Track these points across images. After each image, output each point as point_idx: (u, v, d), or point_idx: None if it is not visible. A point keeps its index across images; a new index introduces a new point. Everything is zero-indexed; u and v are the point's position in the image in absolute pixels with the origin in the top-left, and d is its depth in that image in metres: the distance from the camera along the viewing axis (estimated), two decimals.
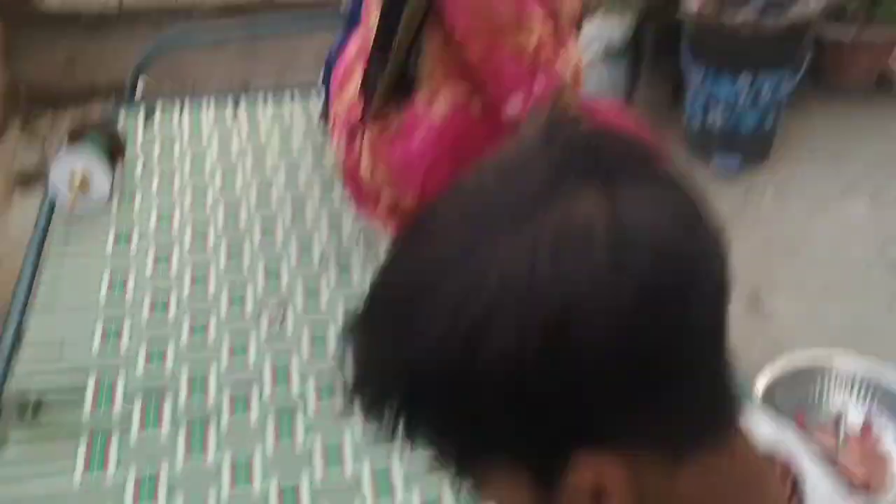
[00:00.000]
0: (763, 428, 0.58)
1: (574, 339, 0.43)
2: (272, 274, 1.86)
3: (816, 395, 1.83)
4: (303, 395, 1.58)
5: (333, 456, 1.46)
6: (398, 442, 0.50)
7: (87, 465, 1.42)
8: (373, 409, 0.49)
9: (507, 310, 0.43)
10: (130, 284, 1.81)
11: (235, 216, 2.04)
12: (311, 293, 1.81)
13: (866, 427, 1.74)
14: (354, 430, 1.51)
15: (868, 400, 1.85)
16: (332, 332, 1.71)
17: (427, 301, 0.45)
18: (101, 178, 2.00)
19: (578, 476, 0.47)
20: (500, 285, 0.43)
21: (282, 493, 1.40)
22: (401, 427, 0.49)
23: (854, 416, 1.81)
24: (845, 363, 1.90)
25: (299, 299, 1.79)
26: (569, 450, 0.46)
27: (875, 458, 1.69)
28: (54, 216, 1.99)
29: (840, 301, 2.16)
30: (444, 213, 0.48)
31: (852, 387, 1.88)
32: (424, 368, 0.46)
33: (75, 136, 2.10)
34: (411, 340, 0.46)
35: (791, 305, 2.16)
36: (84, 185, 1.97)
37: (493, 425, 0.46)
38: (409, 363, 0.46)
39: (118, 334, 1.67)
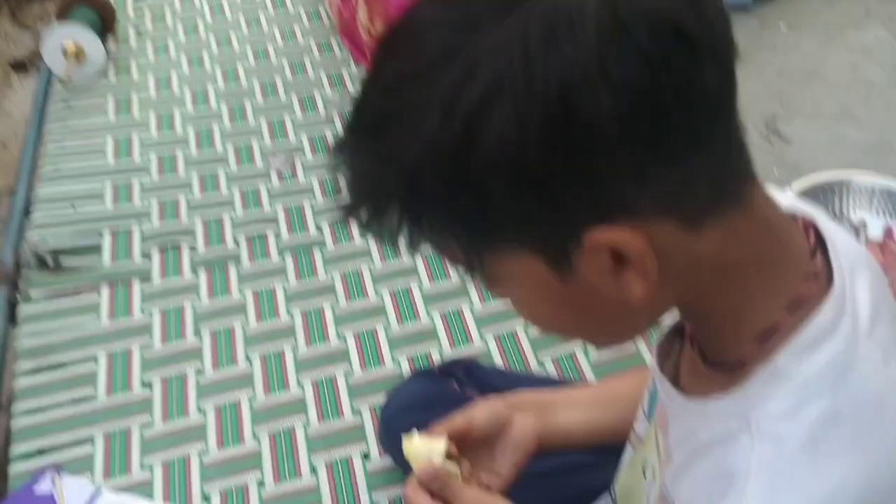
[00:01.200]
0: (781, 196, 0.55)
1: (577, 113, 0.41)
2: (277, 129, 1.83)
3: (837, 210, 1.81)
4: (320, 234, 1.57)
5: (354, 285, 1.47)
6: (404, 248, 0.49)
7: (112, 311, 1.42)
8: (374, 220, 0.47)
9: (503, 96, 0.41)
10: (136, 149, 1.79)
11: (234, 77, 2.00)
12: (318, 143, 1.79)
13: (888, 231, 1.73)
14: (374, 263, 1.51)
15: (887, 214, 1.83)
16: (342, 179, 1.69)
17: (417, 103, 0.43)
18: (93, 47, 1.95)
19: (594, 252, 0.45)
20: (494, 74, 0.41)
21: (306, 319, 1.40)
22: (405, 234, 0.48)
23: (874, 227, 1.79)
24: (864, 180, 1.87)
25: (307, 150, 1.77)
26: (581, 229, 0.44)
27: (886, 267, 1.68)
28: (53, 91, 1.96)
29: (858, 124, 2.12)
30: (424, 18, 0.45)
31: (871, 201, 1.86)
32: (423, 168, 0.44)
33: (64, 12, 2.05)
34: (405, 143, 0.44)
35: (809, 131, 2.11)
36: (79, 54, 1.94)
37: (500, 214, 0.44)
38: (406, 166, 0.44)
39: (129, 194, 1.66)
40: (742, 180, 0.48)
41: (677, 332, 0.63)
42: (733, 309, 0.51)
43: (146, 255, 1.53)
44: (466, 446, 0.80)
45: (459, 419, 0.81)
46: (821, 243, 0.53)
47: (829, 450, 0.46)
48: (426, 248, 0.48)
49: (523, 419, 0.83)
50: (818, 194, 1.84)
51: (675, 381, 0.58)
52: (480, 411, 0.82)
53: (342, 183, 0.48)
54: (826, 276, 0.51)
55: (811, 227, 0.54)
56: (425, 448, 0.76)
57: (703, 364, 0.56)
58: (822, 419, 0.47)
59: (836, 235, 0.54)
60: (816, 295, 0.50)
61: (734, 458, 0.49)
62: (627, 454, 0.73)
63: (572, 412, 0.85)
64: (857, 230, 1.77)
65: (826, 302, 0.49)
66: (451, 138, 0.42)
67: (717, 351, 0.54)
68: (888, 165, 2.02)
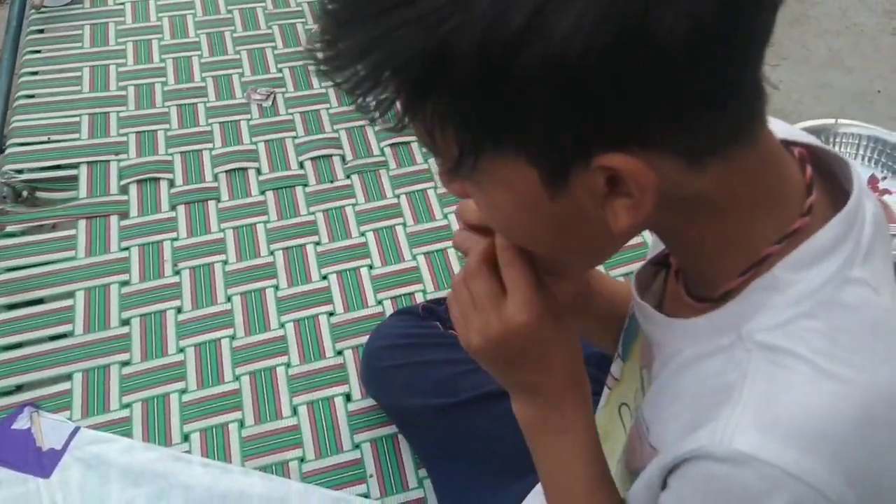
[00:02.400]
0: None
1: (653, 31, 0.39)
2: (258, 60, 1.78)
3: None
4: (302, 171, 1.54)
5: (337, 224, 1.45)
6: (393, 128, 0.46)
7: (89, 246, 1.40)
8: (366, 86, 0.43)
9: None
10: (112, 79, 1.73)
11: (214, 5, 1.93)
12: (300, 76, 1.74)
13: (873, 179, 1.73)
14: (358, 202, 1.49)
15: (873, 163, 1.83)
16: (326, 114, 1.66)
17: None
18: None
19: (595, 175, 0.44)
20: None
21: (288, 258, 1.39)
22: (395, 110, 0.45)
23: (860, 174, 1.79)
24: (851, 128, 1.86)
25: (288, 83, 1.73)
26: (596, 150, 0.43)
27: (882, 207, 1.69)
28: (27, 20, 1.88)
29: (846, 70, 2.10)
30: None
31: (857, 149, 1.85)
32: (462, 44, 0.40)
33: None
34: (448, 9, 0.40)
35: (797, 76, 2.09)
36: None
37: (527, 115, 0.42)
38: (441, 36, 0.40)
39: (105, 126, 1.62)
40: (757, 121, 0.47)
41: (658, 263, 0.63)
42: (725, 244, 0.50)
43: (124, 190, 1.49)
44: None
45: None
46: (820, 172, 0.52)
47: (827, 366, 0.46)
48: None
49: None
50: None
51: (660, 311, 0.58)
52: None
53: (329, 23, 0.44)
54: (825, 206, 0.50)
55: (807, 159, 0.53)
56: None
57: (687, 297, 0.55)
58: (819, 334, 0.47)
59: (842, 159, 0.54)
60: (811, 229, 0.49)
61: (727, 371, 0.48)
62: (603, 396, 0.73)
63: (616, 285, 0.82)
64: None
65: (831, 221, 0.49)
66: (511, 21, 0.39)
67: (703, 285, 0.53)
68: (875, 112, 2.01)
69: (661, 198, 0.44)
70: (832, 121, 1.88)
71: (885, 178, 1.77)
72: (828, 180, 0.52)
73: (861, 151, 1.83)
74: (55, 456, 1.13)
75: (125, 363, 1.24)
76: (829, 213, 0.50)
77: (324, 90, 1.71)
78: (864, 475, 0.45)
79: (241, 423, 1.18)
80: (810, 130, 1.83)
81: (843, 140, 1.85)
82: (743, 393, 0.46)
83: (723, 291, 0.51)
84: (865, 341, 0.47)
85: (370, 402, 1.18)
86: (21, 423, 1.16)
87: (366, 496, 1.10)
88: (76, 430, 1.15)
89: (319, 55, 0.44)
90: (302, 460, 1.14)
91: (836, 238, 0.48)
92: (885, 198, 1.75)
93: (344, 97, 1.69)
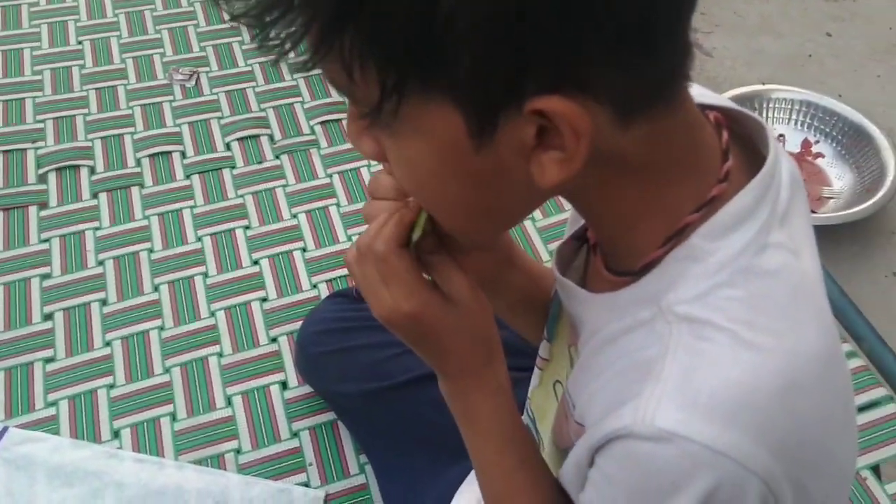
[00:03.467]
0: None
1: None
2: (180, 39, 1.72)
3: None
4: (228, 152, 1.49)
5: (268, 207, 1.41)
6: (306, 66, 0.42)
7: (7, 239, 1.33)
8: (273, 17, 0.40)
9: None
10: (27, 62, 1.65)
11: None
12: (224, 55, 1.68)
13: (806, 143, 1.75)
14: (288, 183, 1.45)
15: (806, 127, 1.85)
16: (252, 92, 1.61)
17: None
18: None
19: (524, 123, 0.42)
20: None
21: (216, 244, 1.34)
22: (305, 46, 0.41)
23: (791, 141, 1.81)
24: (783, 93, 1.88)
25: (212, 62, 1.67)
26: (528, 92, 0.40)
27: (813, 170, 1.71)
28: None
29: (777, 36, 2.12)
30: None
31: (790, 114, 1.87)
32: None
33: None
34: None
35: (730, 42, 2.10)
36: None
37: (458, 55, 0.39)
38: None
39: (21, 112, 1.54)
40: (682, 80, 0.46)
41: (579, 238, 0.61)
42: (644, 212, 0.49)
43: (42, 179, 1.43)
44: None
45: None
46: (735, 136, 0.51)
47: (747, 335, 0.45)
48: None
49: None
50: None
51: (582, 286, 0.56)
52: None
53: None
54: (741, 171, 0.49)
55: (723, 124, 0.51)
56: None
57: (606, 272, 0.54)
58: (739, 303, 0.46)
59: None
60: (727, 196, 0.48)
61: (649, 344, 0.47)
62: (535, 376, 0.72)
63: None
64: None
65: (747, 186, 0.48)
66: None
67: (622, 258, 0.52)
68: (806, 76, 2.03)
69: (588, 154, 0.43)
70: (764, 86, 1.90)
71: (817, 141, 1.80)
72: (743, 144, 0.51)
73: (794, 116, 1.85)
74: None
75: (49, 360, 1.19)
76: (746, 177, 0.49)
77: (249, 68, 1.65)
78: (790, 447, 0.45)
79: (174, 417, 1.14)
80: (743, 96, 1.85)
81: (776, 105, 1.87)
82: (664, 368, 0.45)
83: (643, 264, 0.49)
84: (786, 307, 0.47)
85: (307, 389, 1.15)
86: None
87: (306, 485, 1.08)
88: (4, 429, 1.10)
89: None
90: (238, 452, 1.11)
91: (752, 203, 0.48)
92: (818, 161, 1.78)
93: (271, 74, 1.64)
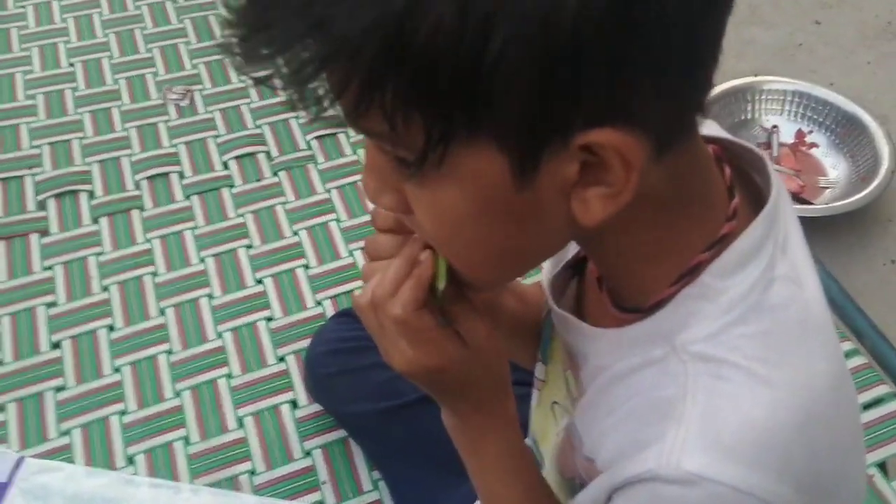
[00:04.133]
0: None
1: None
2: (171, 57, 1.72)
3: (748, 115, 1.82)
4: (226, 171, 1.50)
5: (269, 225, 1.41)
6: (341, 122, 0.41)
7: (11, 269, 1.34)
8: (309, 71, 0.37)
9: None
10: (20, 87, 1.65)
11: (121, 4, 1.85)
12: (217, 72, 1.68)
13: (799, 133, 1.76)
14: (288, 200, 1.45)
15: (799, 117, 1.85)
16: (247, 108, 1.61)
17: None
18: None
19: (570, 158, 0.41)
20: None
21: (220, 264, 1.35)
22: (346, 98, 0.39)
23: (785, 132, 1.81)
24: (775, 84, 1.88)
25: (205, 79, 1.67)
26: (576, 126, 0.39)
27: (808, 161, 1.72)
28: None
29: (767, 26, 2.12)
30: None
31: (783, 105, 1.87)
32: (426, 17, 0.35)
33: None
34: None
35: None
36: None
37: (509, 98, 0.38)
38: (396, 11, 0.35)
39: (16, 139, 1.54)
40: (700, 111, 0.45)
41: (571, 267, 0.62)
42: (658, 251, 0.49)
43: (41, 205, 1.43)
44: None
45: None
46: (733, 167, 0.51)
47: (762, 371, 0.45)
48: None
49: None
50: (729, 100, 1.85)
51: (579, 317, 0.56)
52: None
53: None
54: (744, 205, 0.50)
55: (722, 158, 0.51)
56: None
57: (613, 308, 0.53)
58: (752, 340, 0.46)
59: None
60: (735, 233, 0.48)
61: (664, 384, 0.47)
62: (534, 397, 0.72)
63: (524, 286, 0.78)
64: (770, 135, 1.79)
65: (754, 222, 0.48)
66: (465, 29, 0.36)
67: (631, 295, 0.52)
68: (797, 66, 2.03)
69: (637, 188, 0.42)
70: (756, 77, 1.90)
71: (811, 131, 1.80)
72: (738, 175, 0.52)
73: (787, 107, 1.85)
74: (1, 489, 1.09)
75: (60, 388, 1.20)
76: (747, 211, 0.49)
77: (242, 84, 1.65)
78: (810, 478, 0.46)
79: (187, 441, 1.15)
80: (735, 89, 1.85)
81: (768, 96, 1.88)
82: (685, 409, 0.45)
83: (654, 302, 0.49)
84: (796, 340, 0.47)
85: (317, 407, 1.16)
86: None
87: (321, 503, 1.09)
88: (20, 460, 1.11)
89: (241, 40, 0.38)
90: (253, 473, 1.12)
91: (759, 239, 0.48)
92: (813, 151, 1.78)
93: (265, 91, 1.64)
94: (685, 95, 0.43)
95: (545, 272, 0.69)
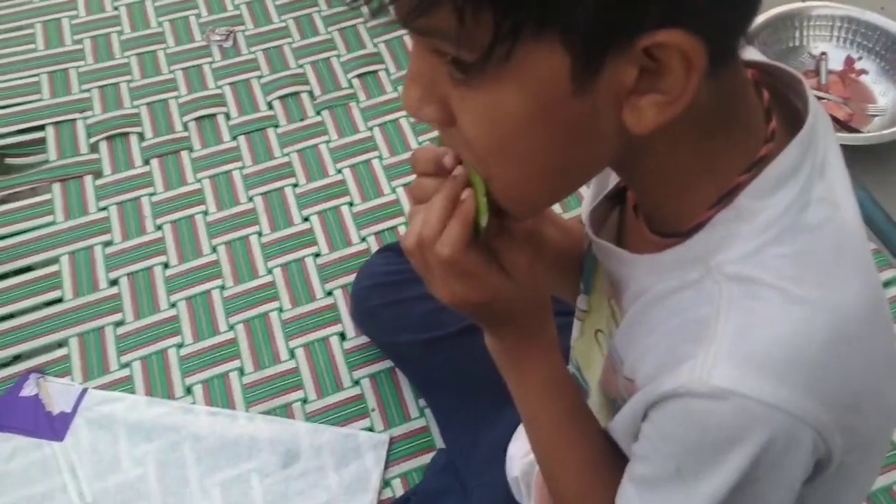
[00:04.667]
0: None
1: None
2: None
3: (796, 42, 1.78)
4: (271, 111, 1.52)
5: (313, 164, 1.44)
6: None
7: (67, 210, 1.39)
8: None
9: None
10: (66, 31, 1.68)
11: None
12: (259, 12, 1.69)
13: (849, 59, 1.71)
14: (331, 138, 1.47)
15: (848, 43, 1.80)
16: (288, 48, 1.62)
17: None
18: None
19: (630, 61, 0.42)
20: None
21: (268, 203, 1.38)
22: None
23: (834, 59, 1.77)
24: (823, 9, 1.83)
25: (247, 19, 1.68)
26: (639, 24, 0.40)
27: (857, 88, 1.68)
28: None
29: None
30: None
31: (831, 31, 1.82)
32: None
33: None
34: None
35: None
36: None
37: None
38: None
39: (66, 82, 1.58)
40: (746, 32, 0.46)
41: (611, 199, 0.63)
42: (697, 173, 0.50)
43: (94, 148, 1.47)
44: None
45: None
46: (775, 93, 0.52)
47: (796, 290, 0.46)
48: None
49: None
50: (776, 27, 1.80)
51: (620, 246, 0.58)
52: None
53: None
54: (781, 127, 0.50)
55: (762, 81, 0.52)
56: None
57: (651, 234, 0.55)
58: (786, 260, 0.47)
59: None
60: (772, 155, 0.49)
61: (699, 304, 0.49)
62: (576, 328, 0.74)
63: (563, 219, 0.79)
64: (818, 62, 1.75)
65: (791, 143, 0.49)
66: None
67: (668, 219, 0.53)
68: None
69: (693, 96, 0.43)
70: (804, 3, 1.85)
71: (860, 58, 1.76)
72: (776, 98, 0.52)
73: (835, 33, 1.81)
74: (66, 419, 1.16)
75: (119, 323, 1.25)
76: (784, 133, 0.50)
77: (283, 24, 1.67)
78: (840, 396, 0.47)
79: (241, 371, 1.20)
80: (783, 15, 1.80)
81: (816, 22, 1.83)
82: (718, 327, 0.47)
83: (692, 226, 0.50)
84: (831, 261, 0.48)
85: (364, 339, 1.20)
86: (28, 391, 1.18)
87: (370, 430, 1.14)
88: (84, 391, 1.17)
89: None
90: (304, 401, 1.17)
91: (796, 160, 0.49)
92: (862, 77, 1.74)
93: (306, 28, 1.65)
94: (741, 7, 0.43)
95: (585, 206, 0.71)
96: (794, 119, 0.51)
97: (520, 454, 0.88)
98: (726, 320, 0.47)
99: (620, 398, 0.58)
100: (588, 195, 0.66)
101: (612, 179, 0.64)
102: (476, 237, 0.54)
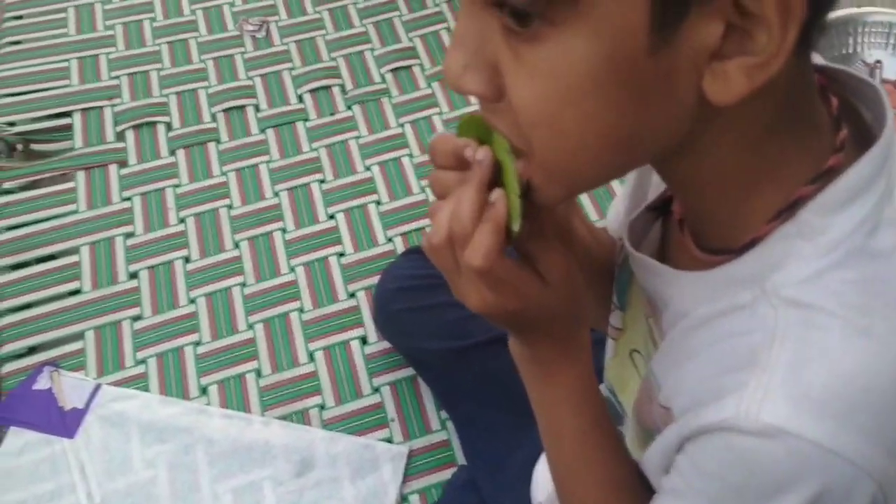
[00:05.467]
0: None
1: None
2: None
3: (850, 49, 1.71)
4: (301, 104, 1.48)
5: (342, 160, 1.40)
6: None
7: (90, 199, 1.36)
8: None
9: None
10: (99, 17, 1.65)
11: None
12: (294, 2, 1.65)
13: None
14: (361, 134, 1.43)
15: None
16: (322, 41, 1.58)
17: None
18: None
19: (718, 13, 0.36)
20: None
21: (293, 198, 1.34)
22: None
23: (889, 68, 1.69)
24: (880, 16, 1.75)
25: (281, 10, 1.64)
26: None
27: None
28: None
29: None
30: None
31: (888, 39, 1.75)
32: None
33: None
34: None
35: None
36: None
37: None
38: None
39: (95, 68, 1.55)
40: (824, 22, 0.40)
41: (653, 210, 0.57)
42: (758, 178, 0.44)
43: (120, 136, 1.44)
44: None
45: None
46: (843, 101, 0.46)
47: (862, 321, 0.41)
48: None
49: None
50: (829, 33, 1.73)
51: (661, 261, 0.52)
52: None
53: None
54: (853, 144, 0.44)
55: (829, 89, 0.46)
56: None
57: (698, 251, 0.49)
58: (852, 286, 0.42)
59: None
60: (841, 167, 0.43)
61: (751, 330, 0.43)
62: (610, 347, 0.68)
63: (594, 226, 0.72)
64: (872, 71, 1.67)
65: (865, 156, 0.43)
66: None
67: (720, 233, 0.47)
68: None
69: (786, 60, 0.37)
70: (859, 9, 1.77)
71: None
72: (846, 107, 0.46)
73: (891, 40, 1.73)
74: (78, 415, 1.12)
75: (136, 318, 1.22)
76: (854, 146, 0.44)
77: (318, 15, 1.62)
78: None
79: (258, 373, 1.16)
80: (837, 21, 1.73)
81: (872, 29, 1.75)
82: (771, 357, 0.41)
83: (748, 241, 0.45)
84: None
85: (387, 344, 1.16)
86: (42, 384, 1.15)
87: (389, 441, 1.09)
88: (97, 387, 1.14)
89: None
90: (322, 407, 1.12)
91: (870, 175, 0.43)
92: None
93: (340, 21, 1.61)
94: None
95: (614, 217, 0.65)
96: (863, 132, 0.45)
97: (546, 477, 0.83)
98: (781, 350, 0.41)
99: (657, 429, 0.53)
100: (615, 205, 0.61)
101: (652, 191, 0.58)
102: (508, 242, 0.48)
